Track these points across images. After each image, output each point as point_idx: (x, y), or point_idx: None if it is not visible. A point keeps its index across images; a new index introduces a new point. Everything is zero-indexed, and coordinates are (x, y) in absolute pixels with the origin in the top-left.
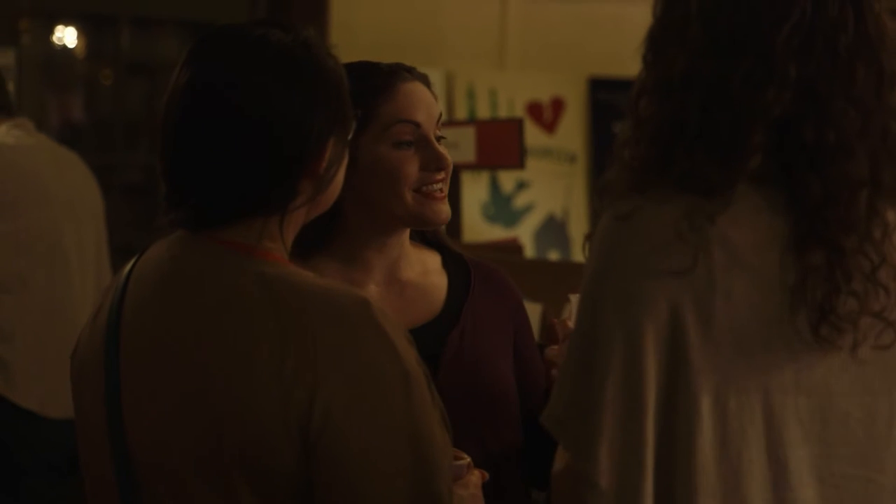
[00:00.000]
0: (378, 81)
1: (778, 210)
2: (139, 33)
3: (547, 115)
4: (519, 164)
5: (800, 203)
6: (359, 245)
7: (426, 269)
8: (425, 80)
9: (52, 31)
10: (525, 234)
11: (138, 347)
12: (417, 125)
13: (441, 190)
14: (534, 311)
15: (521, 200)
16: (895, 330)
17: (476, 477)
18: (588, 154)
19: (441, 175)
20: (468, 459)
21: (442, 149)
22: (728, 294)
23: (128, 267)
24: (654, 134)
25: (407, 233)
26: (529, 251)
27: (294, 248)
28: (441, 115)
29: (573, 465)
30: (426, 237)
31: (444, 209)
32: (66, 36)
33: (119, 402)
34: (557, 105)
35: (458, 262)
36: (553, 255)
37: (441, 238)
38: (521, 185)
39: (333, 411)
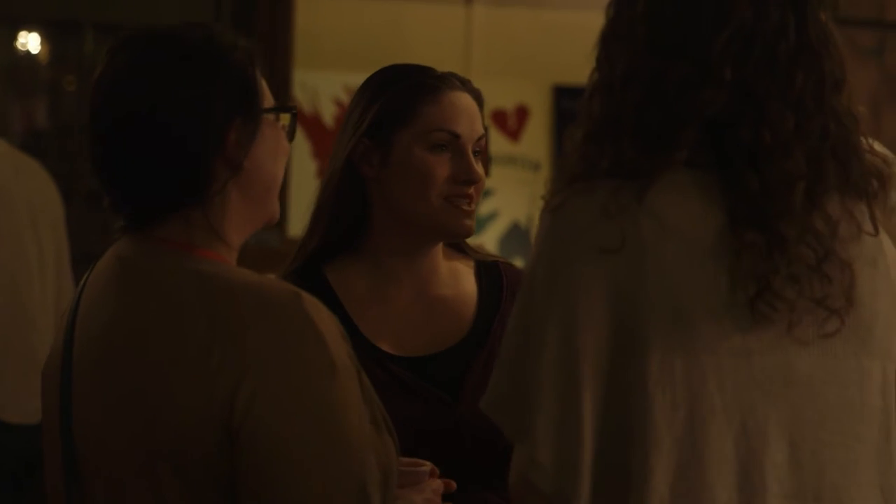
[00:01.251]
0: (427, 82)
1: (711, 193)
2: (103, 39)
3: (511, 122)
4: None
5: (737, 190)
6: (385, 253)
7: (457, 279)
8: (476, 96)
9: (15, 37)
10: (489, 241)
11: (87, 348)
12: (456, 136)
13: (469, 204)
14: None
15: (485, 208)
16: (840, 318)
17: (436, 484)
18: (552, 162)
19: (470, 189)
20: (429, 467)
21: (477, 165)
22: (660, 260)
23: (88, 272)
24: (592, 129)
25: (439, 247)
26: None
27: (320, 249)
28: (484, 134)
29: (516, 448)
30: (459, 245)
31: (469, 224)
32: (30, 41)
33: (70, 402)
34: (522, 113)
35: (492, 272)
36: (518, 263)
37: (466, 246)
38: (486, 193)
39: (257, 400)
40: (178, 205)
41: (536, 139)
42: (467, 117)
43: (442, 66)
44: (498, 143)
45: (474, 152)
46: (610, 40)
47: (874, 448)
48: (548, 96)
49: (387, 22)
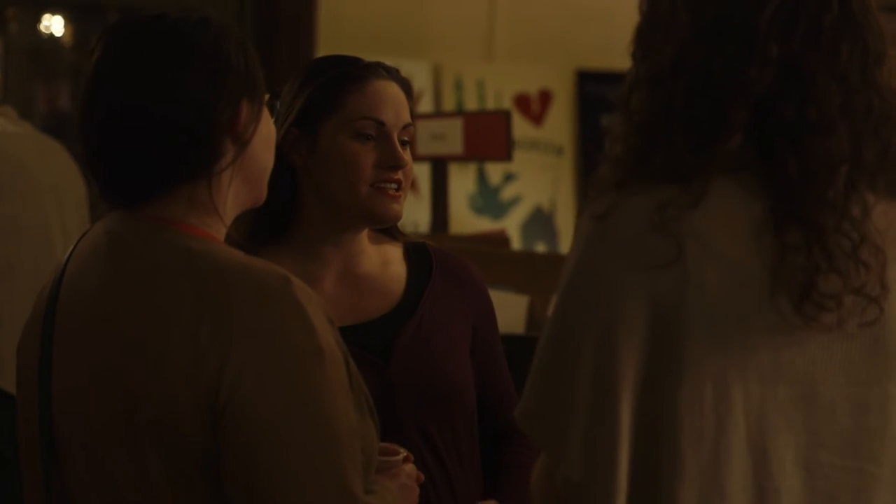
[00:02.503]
0: (352, 72)
1: (754, 194)
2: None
3: (534, 107)
4: (506, 156)
5: (777, 184)
6: (315, 239)
7: (385, 261)
8: (404, 85)
9: (39, 20)
10: (512, 226)
11: (70, 321)
12: (381, 123)
13: (396, 189)
14: (520, 303)
15: (508, 192)
16: (879, 305)
17: (410, 468)
18: (575, 146)
19: (397, 175)
20: (403, 454)
21: (402, 151)
22: (700, 285)
23: (72, 247)
24: (641, 125)
25: (364, 230)
26: (516, 243)
27: (248, 238)
28: (411, 123)
29: (546, 461)
30: (388, 229)
31: (396, 208)
32: (53, 24)
33: (49, 373)
34: (545, 97)
35: (421, 252)
36: (540, 248)
37: (395, 231)
38: (509, 178)
39: (242, 381)
40: (186, 180)
41: (560, 124)
42: (392, 105)
43: (465, 50)
44: (521, 128)
45: (401, 141)
46: (649, 33)
47: (892, 472)
48: (571, 81)
49: (410, 5)
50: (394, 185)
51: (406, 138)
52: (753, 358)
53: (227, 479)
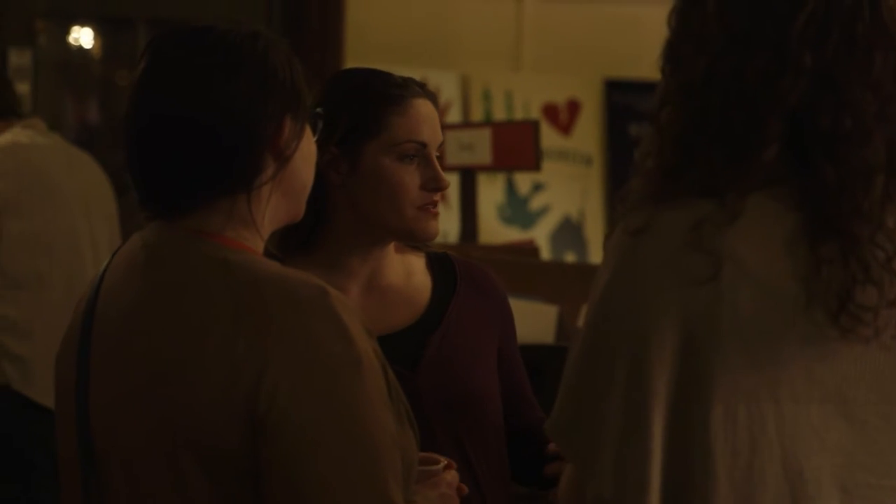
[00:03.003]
0: (392, 92)
1: (788, 207)
2: (155, 34)
3: (563, 116)
4: (535, 166)
5: (813, 194)
6: (342, 252)
7: (410, 272)
8: (434, 99)
9: (68, 32)
10: (541, 235)
11: (107, 334)
12: (423, 145)
13: (435, 207)
14: (549, 312)
15: (536, 202)
16: None
17: (451, 476)
18: (604, 156)
19: (439, 196)
20: (444, 462)
21: (440, 169)
22: (734, 304)
23: (110, 257)
24: (675, 139)
25: (392, 242)
26: (545, 253)
27: (276, 249)
28: (443, 141)
29: (577, 477)
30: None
31: (436, 226)
32: (83, 37)
33: (87, 386)
34: (573, 107)
35: (444, 262)
36: (569, 257)
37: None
38: (537, 187)
39: (280, 393)
40: (226, 194)
41: (588, 133)
42: (430, 125)
43: (493, 61)
44: (549, 138)
45: (436, 157)
46: (678, 46)
47: None
48: (599, 90)
49: (437, 16)
50: (434, 205)
51: (438, 154)
52: (786, 376)
53: (267, 492)
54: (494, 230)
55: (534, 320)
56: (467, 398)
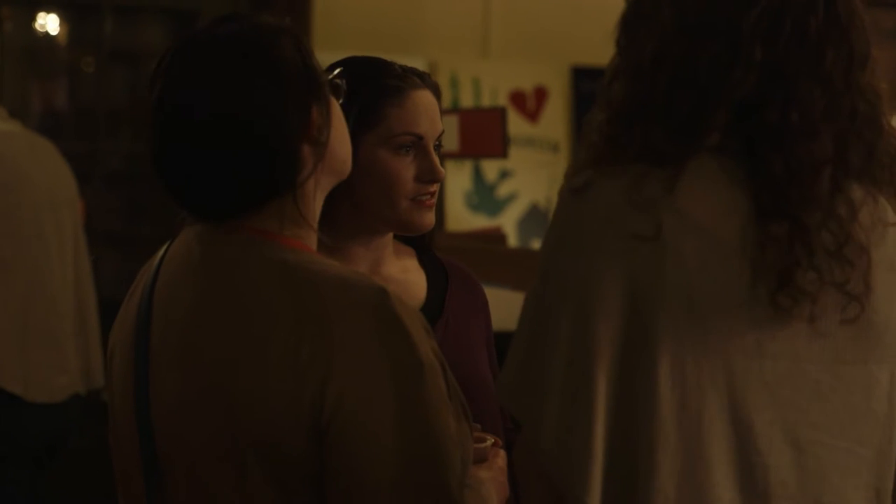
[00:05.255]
0: (390, 83)
1: (737, 181)
2: (122, 21)
3: (530, 104)
4: (502, 153)
5: (761, 178)
6: (345, 238)
7: (405, 266)
8: (435, 89)
9: (34, 19)
10: (508, 223)
11: (166, 337)
12: (420, 137)
13: (431, 198)
14: (516, 300)
15: (504, 189)
16: (860, 303)
17: (501, 459)
18: (571, 143)
19: (434, 186)
20: (492, 440)
21: (437, 160)
22: (679, 257)
23: (160, 253)
24: (620, 114)
25: (391, 233)
26: (513, 240)
27: None
28: (443, 130)
29: (523, 434)
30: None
31: (431, 217)
32: (49, 23)
33: (147, 388)
34: (541, 94)
35: (433, 260)
36: (536, 244)
37: (425, 238)
38: (505, 175)
39: (345, 398)
40: (272, 196)
41: (555, 120)
42: (429, 117)
43: (460, 47)
44: (517, 125)
45: (434, 146)
46: (633, 23)
47: (875, 452)
48: (567, 77)
49: (405, 2)
50: (429, 196)
51: (437, 144)
52: (736, 331)
53: (331, 496)
54: (462, 217)
55: (500, 308)
56: (476, 384)
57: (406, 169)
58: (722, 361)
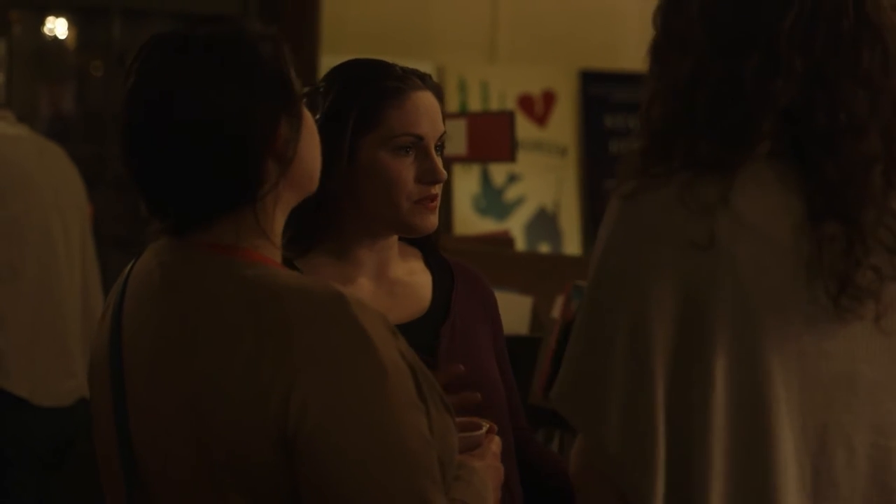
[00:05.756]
0: (389, 85)
1: (790, 185)
2: (130, 25)
3: (538, 107)
4: (510, 156)
5: (815, 181)
6: (350, 242)
7: (411, 268)
8: (437, 91)
9: (42, 23)
10: (516, 226)
11: (137, 356)
12: (420, 138)
13: (433, 200)
14: (524, 303)
15: (511, 193)
16: None
17: (496, 445)
18: (579, 147)
19: (436, 188)
20: (486, 427)
21: (439, 162)
22: (733, 262)
23: (126, 271)
24: (660, 131)
25: (395, 235)
26: (520, 244)
27: (291, 246)
28: (445, 132)
29: (583, 439)
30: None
31: (434, 219)
32: (57, 27)
33: (125, 408)
34: (549, 98)
35: (439, 261)
36: (544, 248)
37: (431, 239)
38: (512, 178)
39: (309, 409)
40: (230, 207)
41: (563, 124)
42: (429, 118)
43: (468, 51)
44: (525, 129)
45: (436, 147)
46: (664, 48)
47: None
48: (575, 81)
49: (413, 6)
50: (431, 198)
51: (439, 145)
52: (792, 332)
53: None
54: (469, 221)
55: (508, 311)
56: (484, 384)
57: (407, 170)
58: (778, 362)
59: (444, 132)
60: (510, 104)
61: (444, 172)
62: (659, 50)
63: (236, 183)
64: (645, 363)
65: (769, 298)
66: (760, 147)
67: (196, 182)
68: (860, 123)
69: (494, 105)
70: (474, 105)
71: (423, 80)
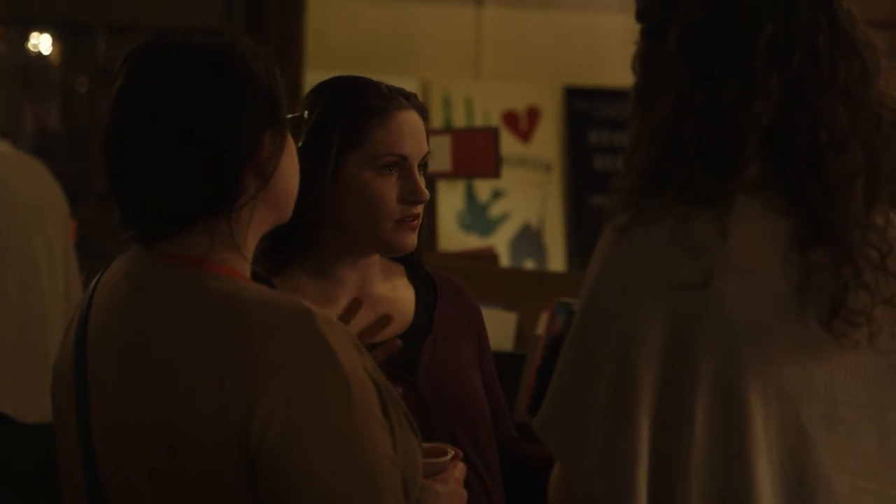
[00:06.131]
0: (375, 103)
1: (777, 212)
2: (114, 40)
3: (522, 123)
4: (494, 172)
5: (799, 205)
6: (331, 260)
7: (394, 284)
8: (422, 110)
9: (27, 38)
10: (500, 242)
11: (102, 368)
12: (404, 158)
13: (414, 220)
14: (508, 319)
15: (496, 209)
16: None
17: (459, 471)
18: (563, 163)
19: (418, 208)
20: (451, 454)
21: (422, 182)
22: (720, 298)
23: (93, 283)
24: (648, 173)
25: (377, 254)
26: (505, 260)
27: (268, 262)
28: (429, 151)
29: (565, 474)
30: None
31: (413, 238)
32: (42, 43)
33: (88, 419)
34: (533, 114)
35: (423, 275)
36: (528, 264)
37: (414, 254)
38: (497, 194)
39: (271, 425)
40: (204, 217)
41: (548, 140)
42: (414, 138)
43: (452, 68)
44: (509, 145)
45: (420, 166)
46: (645, 88)
47: None
48: (559, 97)
49: (397, 23)
50: (412, 218)
51: (423, 164)
52: (773, 373)
53: None
54: (454, 237)
55: (493, 327)
56: (465, 401)
57: (390, 189)
58: (759, 404)
59: (428, 152)
60: (494, 120)
61: (427, 193)
62: (640, 93)
63: (214, 191)
64: (628, 400)
65: (756, 337)
66: (749, 171)
67: (174, 186)
68: (841, 138)
69: (479, 121)
70: (459, 121)
71: (409, 99)
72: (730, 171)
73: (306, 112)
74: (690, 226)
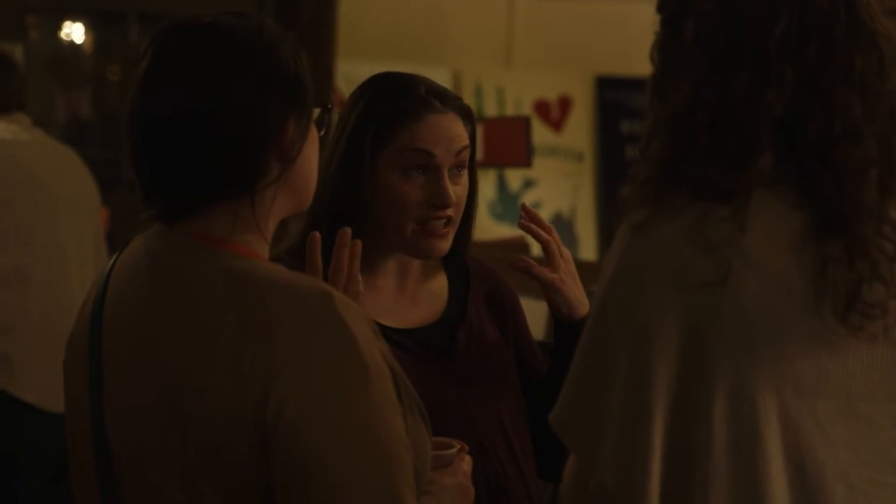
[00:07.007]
0: (406, 106)
1: (792, 206)
2: (146, 29)
3: (554, 113)
4: (526, 162)
5: (813, 197)
6: (372, 249)
7: (428, 270)
8: (463, 112)
9: (59, 27)
10: None
11: (117, 343)
12: (431, 156)
13: (444, 226)
14: (540, 309)
15: (528, 199)
16: None
17: (467, 465)
18: (595, 152)
19: (446, 212)
20: (457, 447)
21: (451, 186)
22: (737, 296)
23: (111, 261)
24: (664, 163)
25: None
26: (536, 249)
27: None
28: (467, 146)
29: (578, 466)
30: None
31: (442, 245)
32: (74, 32)
33: (101, 395)
34: (564, 103)
35: (458, 262)
36: None
37: (457, 245)
38: (529, 184)
39: (288, 405)
40: (227, 198)
41: (579, 130)
42: (445, 139)
43: (484, 57)
44: (541, 134)
45: (456, 167)
46: (663, 78)
47: None
48: (590, 87)
49: (429, 12)
50: (441, 222)
51: (460, 164)
52: (790, 370)
53: (280, 502)
54: (485, 226)
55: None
56: (502, 383)
57: (414, 191)
58: (776, 401)
59: (467, 147)
60: (526, 109)
61: (453, 196)
62: (657, 82)
63: (237, 172)
64: (644, 396)
65: (772, 333)
66: (762, 162)
67: (197, 166)
68: (855, 130)
69: (510, 110)
70: (490, 110)
71: (445, 101)
72: (742, 161)
73: (333, 105)
74: (707, 223)
